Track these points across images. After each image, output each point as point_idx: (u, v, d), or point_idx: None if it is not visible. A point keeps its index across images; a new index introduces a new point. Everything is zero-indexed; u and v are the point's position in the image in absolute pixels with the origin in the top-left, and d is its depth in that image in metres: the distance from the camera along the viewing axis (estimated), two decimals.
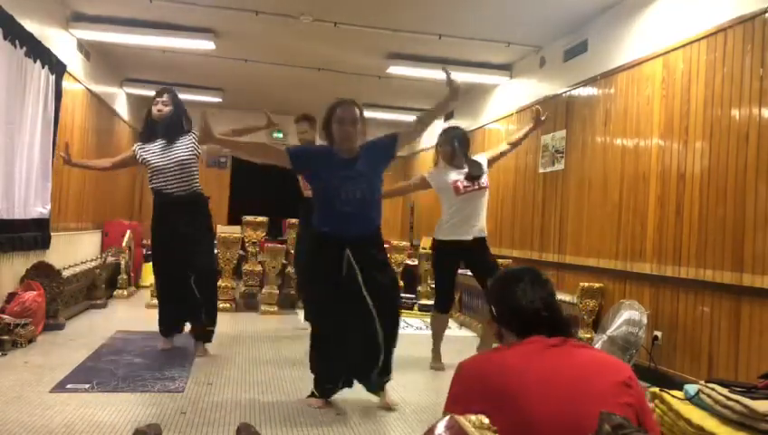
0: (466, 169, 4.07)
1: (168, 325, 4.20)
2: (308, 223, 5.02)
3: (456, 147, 4.09)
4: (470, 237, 4.08)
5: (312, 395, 3.23)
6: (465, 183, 4.06)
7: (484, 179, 4.13)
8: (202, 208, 4.09)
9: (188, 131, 4.03)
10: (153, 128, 3.98)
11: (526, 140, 4.53)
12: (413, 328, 5.84)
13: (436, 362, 4.24)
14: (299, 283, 5.61)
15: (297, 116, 5.05)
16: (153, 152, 3.96)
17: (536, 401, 1.39)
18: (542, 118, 4.21)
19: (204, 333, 4.14)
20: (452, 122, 8.80)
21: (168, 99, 3.96)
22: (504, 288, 1.65)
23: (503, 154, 4.39)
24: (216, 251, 4.63)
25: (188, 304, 4.03)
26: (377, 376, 3.20)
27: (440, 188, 4.15)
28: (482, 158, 4.24)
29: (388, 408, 3.21)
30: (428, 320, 6.06)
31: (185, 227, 3.93)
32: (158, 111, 3.95)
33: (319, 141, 5.02)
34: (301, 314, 6.24)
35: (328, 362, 3.19)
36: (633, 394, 1.45)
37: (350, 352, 3.13)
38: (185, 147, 3.96)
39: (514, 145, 4.39)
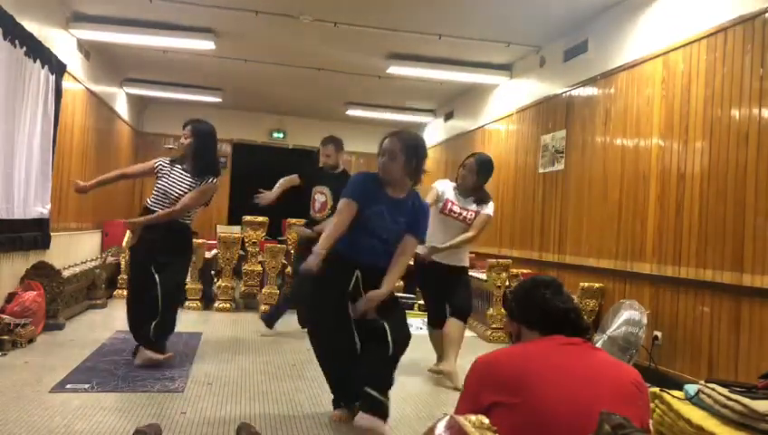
0: (469, 198, 3.96)
1: (141, 331, 3.89)
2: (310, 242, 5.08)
3: (478, 183, 3.94)
4: (449, 263, 3.95)
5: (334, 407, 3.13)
6: (455, 209, 3.92)
7: (472, 216, 3.92)
8: (184, 238, 3.97)
9: (212, 173, 3.91)
10: (182, 155, 3.95)
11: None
12: (413, 328, 5.81)
13: (442, 366, 4.08)
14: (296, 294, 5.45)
15: (324, 138, 5.15)
16: (168, 176, 3.89)
17: (552, 386, 1.48)
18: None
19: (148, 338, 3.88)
20: (452, 122, 8.81)
21: (189, 132, 3.89)
22: (536, 290, 1.78)
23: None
24: (187, 274, 4.41)
25: (149, 309, 3.82)
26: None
27: (438, 198, 3.98)
28: (487, 209, 4.00)
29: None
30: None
31: (162, 249, 3.80)
32: (181, 142, 3.92)
33: (341, 166, 5.10)
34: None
35: (328, 369, 3.12)
36: (643, 397, 1.58)
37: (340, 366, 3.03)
38: (193, 183, 3.86)
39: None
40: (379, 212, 2.90)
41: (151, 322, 3.81)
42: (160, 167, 3.92)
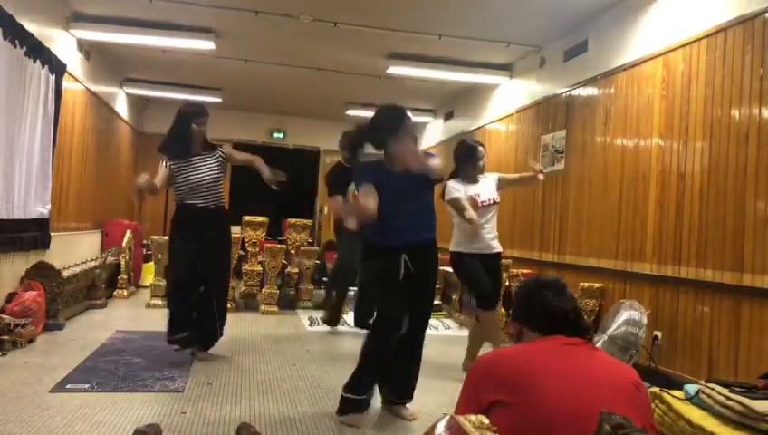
0: (480, 182, 4.05)
1: (179, 324, 4.03)
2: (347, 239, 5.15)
3: (479, 166, 4.06)
4: (490, 251, 4.05)
5: (345, 411, 3.03)
6: (483, 197, 4.02)
7: (497, 195, 4.12)
8: (225, 220, 4.22)
9: (215, 147, 4.13)
10: (189, 143, 4.01)
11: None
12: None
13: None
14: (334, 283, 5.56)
15: (347, 133, 5.13)
16: (187, 168, 3.99)
17: (552, 386, 1.48)
18: (541, 177, 4.20)
19: (211, 341, 4.17)
20: (452, 122, 8.81)
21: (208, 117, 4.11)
22: (538, 289, 1.79)
23: (514, 183, 4.41)
24: (231, 267, 4.77)
25: (200, 313, 4.01)
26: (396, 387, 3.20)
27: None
28: (494, 176, 4.21)
29: (409, 419, 3.12)
30: (434, 321, 6.08)
31: (209, 234, 4.00)
32: (202, 129, 4.04)
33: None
34: (301, 314, 6.25)
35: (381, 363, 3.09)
36: (642, 397, 1.58)
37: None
38: (216, 162, 4.06)
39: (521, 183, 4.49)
40: (399, 188, 2.98)
41: (210, 325, 4.06)
42: (173, 165, 4.01)
